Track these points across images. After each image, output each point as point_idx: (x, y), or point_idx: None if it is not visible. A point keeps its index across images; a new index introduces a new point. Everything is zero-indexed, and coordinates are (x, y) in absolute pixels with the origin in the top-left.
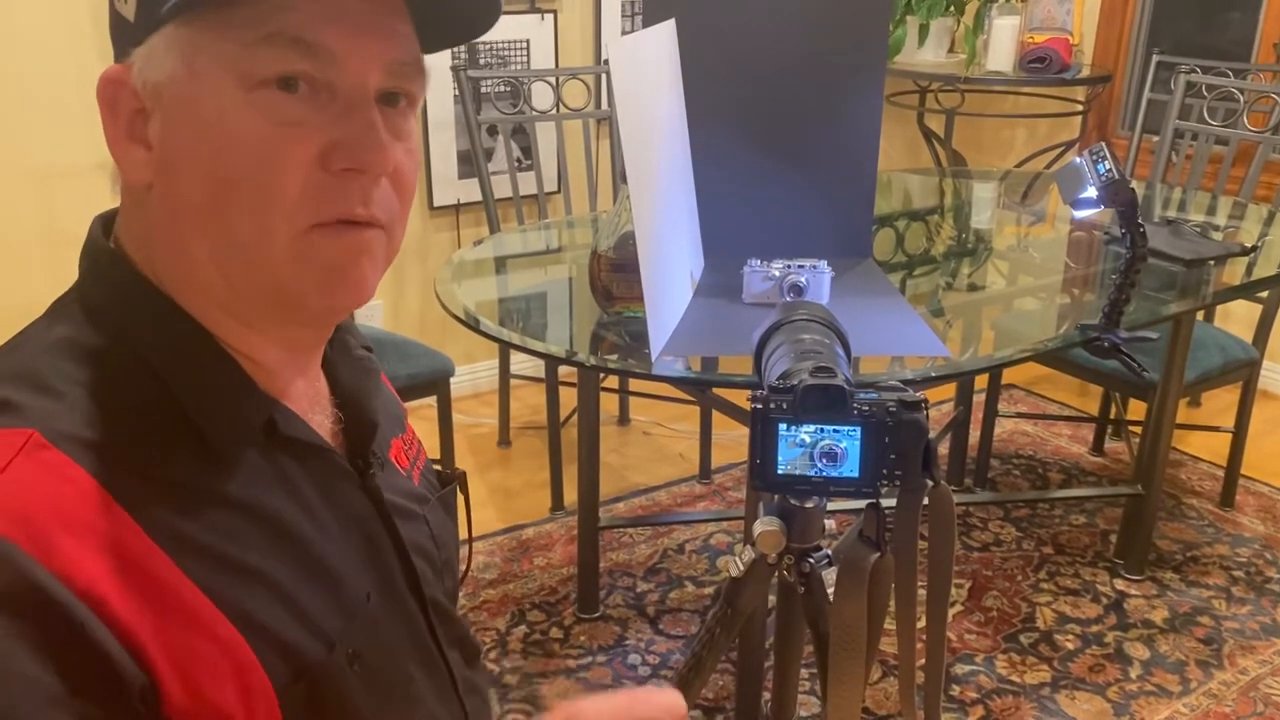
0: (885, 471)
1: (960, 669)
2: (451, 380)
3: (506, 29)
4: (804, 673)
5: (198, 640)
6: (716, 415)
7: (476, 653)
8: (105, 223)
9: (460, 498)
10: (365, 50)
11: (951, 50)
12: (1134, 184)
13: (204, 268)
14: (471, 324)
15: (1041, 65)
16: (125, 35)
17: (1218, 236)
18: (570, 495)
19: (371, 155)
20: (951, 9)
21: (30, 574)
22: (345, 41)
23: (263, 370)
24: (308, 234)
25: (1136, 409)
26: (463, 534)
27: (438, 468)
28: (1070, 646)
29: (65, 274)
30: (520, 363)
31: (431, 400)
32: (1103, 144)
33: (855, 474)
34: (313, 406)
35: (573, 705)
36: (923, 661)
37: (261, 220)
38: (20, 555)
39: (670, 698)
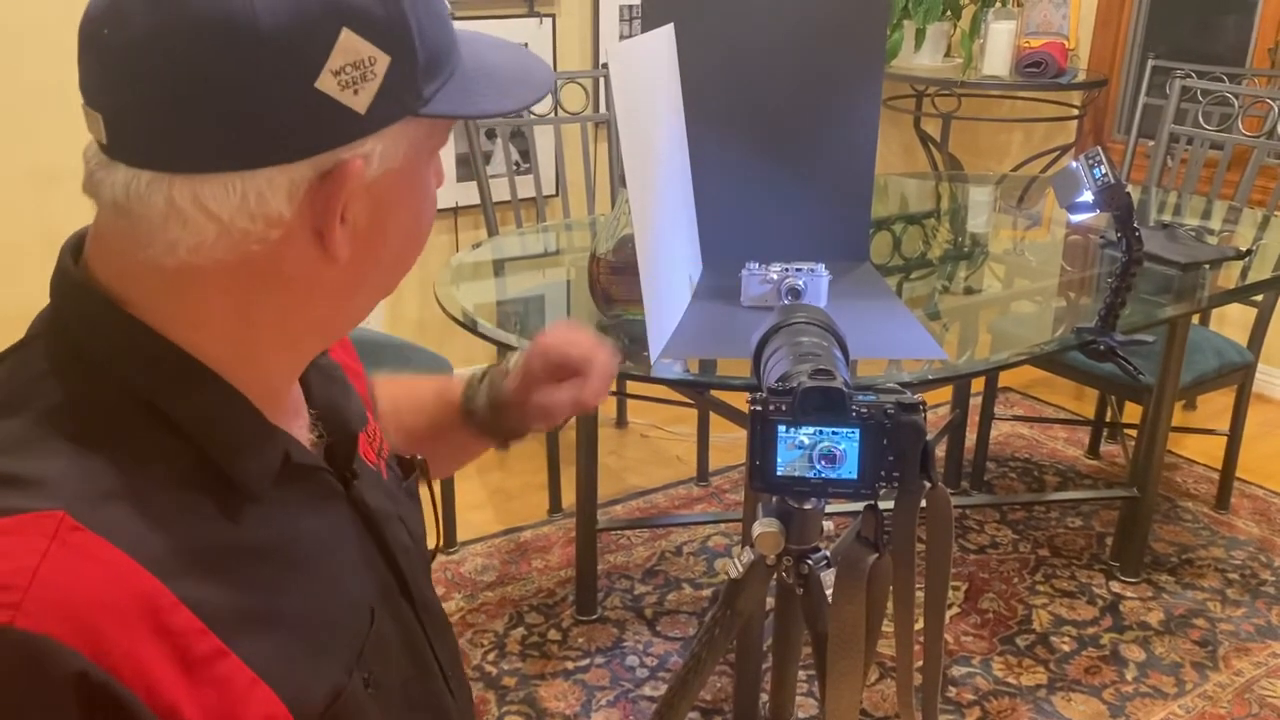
0: (883, 473)
1: (957, 671)
2: None
3: (504, 32)
4: (802, 674)
5: (236, 710)
6: (714, 418)
7: (457, 646)
8: (75, 251)
9: (424, 486)
10: None
11: (948, 54)
12: (1129, 188)
13: (352, 311)
14: (470, 326)
15: (1037, 69)
16: (342, 125)
17: (1213, 240)
18: (568, 497)
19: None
20: (948, 13)
21: (83, 675)
22: None
23: (269, 397)
24: None
25: (1132, 412)
26: (431, 524)
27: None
28: (1066, 648)
29: None
30: None
31: None
32: (1098, 148)
33: (854, 475)
34: (296, 419)
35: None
36: (920, 663)
37: (419, 253)
38: (71, 655)
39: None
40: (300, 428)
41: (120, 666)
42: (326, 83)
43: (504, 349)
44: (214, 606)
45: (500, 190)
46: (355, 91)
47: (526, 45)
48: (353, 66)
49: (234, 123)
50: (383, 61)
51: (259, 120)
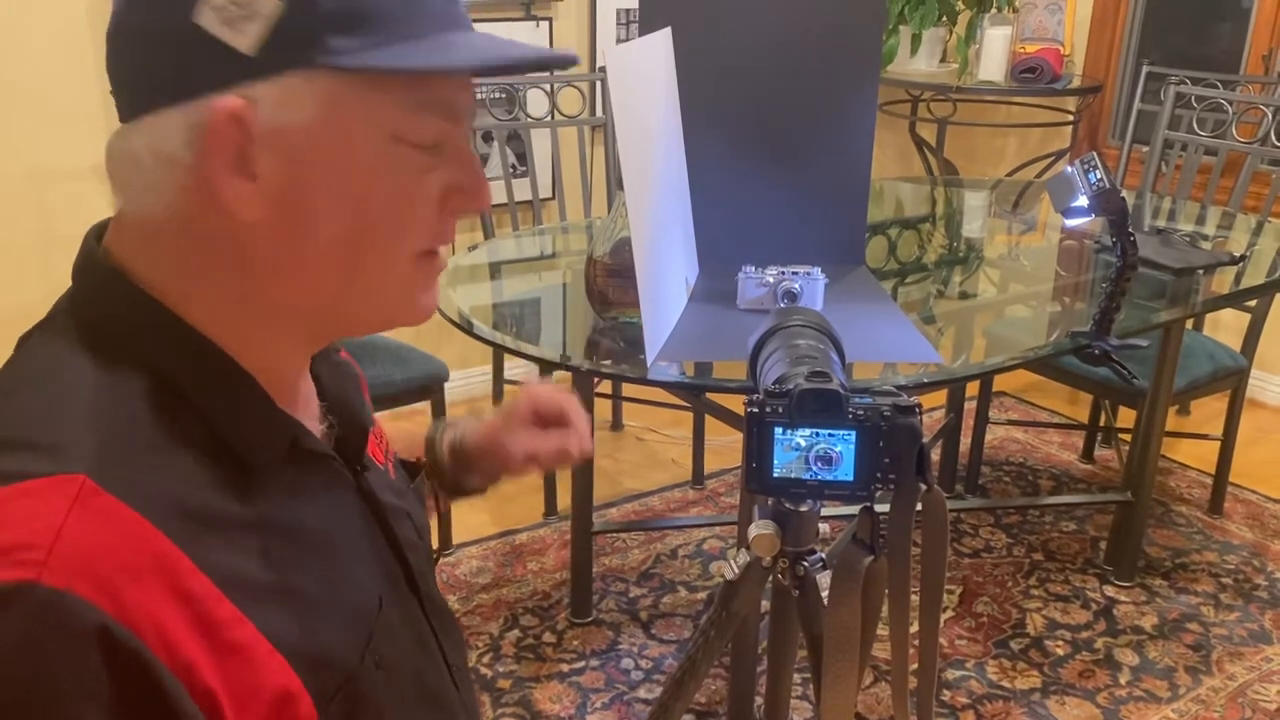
0: (879, 475)
1: (951, 674)
2: (446, 385)
3: (502, 35)
4: (797, 677)
5: (255, 677)
6: (709, 421)
7: (463, 640)
8: (100, 236)
9: (431, 487)
10: (472, 105)
11: (944, 60)
12: (1124, 193)
13: (311, 295)
14: (465, 327)
15: (1033, 75)
16: (228, 65)
17: (1207, 246)
18: (564, 500)
19: (485, 198)
20: (944, 19)
21: (105, 629)
22: (469, 100)
23: (279, 384)
24: (416, 262)
25: (1126, 416)
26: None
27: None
28: (1060, 652)
29: (60, 277)
30: (514, 367)
31: (425, 405)
32: (1094, 153)
33: (850, 477)
34: (309, 410)
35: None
36: (915, 666)
37: (391, 254)
38: (94, 611)
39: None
40: (311, 419)
41: (141, 624)
42: (206, 17)
43: (500, 350)
44: (230, 574)
45: (497, 193)
46: (238, 30)
47: None
48: (234, 3)
49: (134, 66)
50: (270, 1)
51: (149, 60)
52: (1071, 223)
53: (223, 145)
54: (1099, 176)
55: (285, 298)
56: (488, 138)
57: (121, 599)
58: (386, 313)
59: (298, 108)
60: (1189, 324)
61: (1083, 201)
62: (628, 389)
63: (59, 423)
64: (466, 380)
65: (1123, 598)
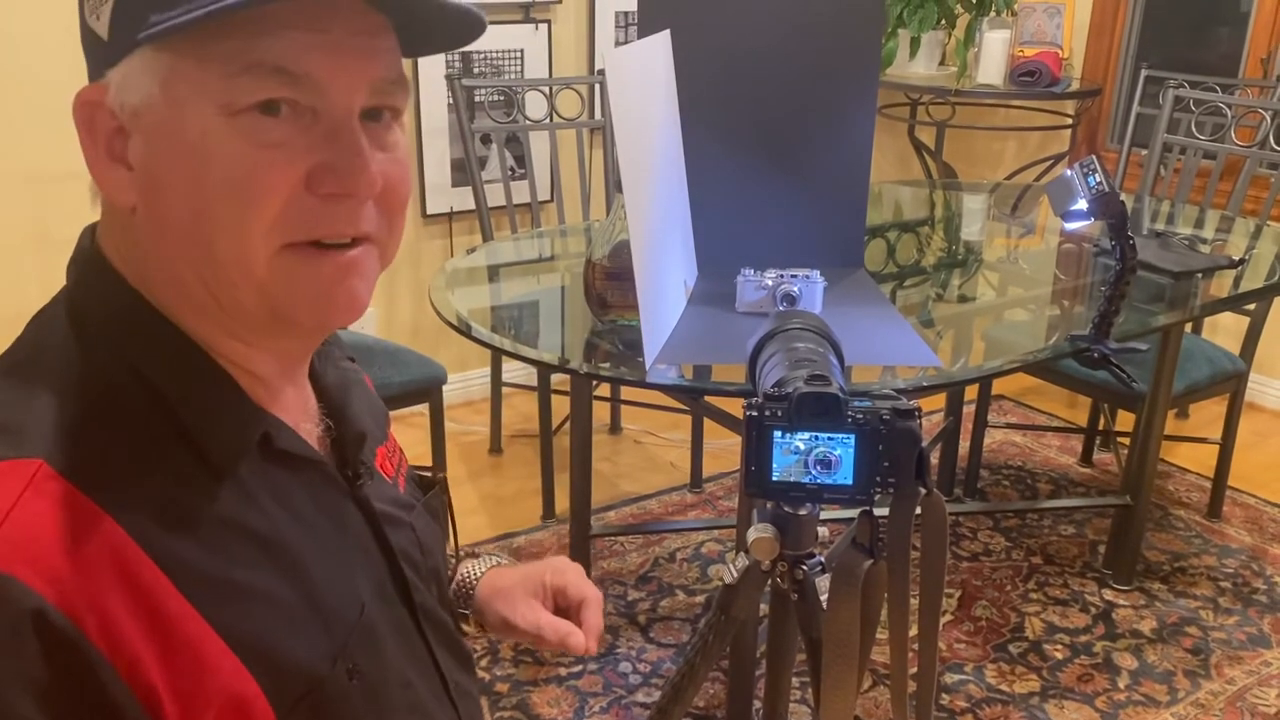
0: (879, 479)
1: (950, 678)
2: (444, 388)
3: (500, 38)
4: (795, 681)
5: (203, 676)
6: (708, 424)
7: (467, 657)
8: (95, 232)
9: (445, 502)
10: (348, 74)
11: (943, 63)
12: (1123, 197)
13: (193, 286)
14: (464, 330)
15: (1032, 79)
16: (99, 54)
17: (1205, 249)
18: (562, 503)
19: (359, 179)
20: (943, 22)
21: (41, 614)
22: (328, 67)
23: (257, 381)
24: (281, 254)
25: (1125, 420)
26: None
27: (420, 472)
28: (1059, 656)
29: (58, 279)
30: (512, 371)
31: (423, 408)
32: (1093, 157)
33: (849, 481)
34: (301, 415)
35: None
36: (914, 670)
37: (241, 241)
38: (31, 595)
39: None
40: (307, 423)
41: (82, 613)
42: (84, 10)
43: (498, 353)
44: (185, 569)
45: (495, 195)
46: (98, 17)
47: (522, 51)
48: None
49: None
50: None
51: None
52: (1070, 226)
53: (92, 132)
54: (1098, 180)
55: (186, 288)
56: (486, 140)
57: (64, 586)
58: (282, 307)
59: (137, 88)
60: (1188, 327)
61: (1082, 205)
62: (626, 392)
63: (26, 408)
64: (465, 383)
65: (1121, 601)
